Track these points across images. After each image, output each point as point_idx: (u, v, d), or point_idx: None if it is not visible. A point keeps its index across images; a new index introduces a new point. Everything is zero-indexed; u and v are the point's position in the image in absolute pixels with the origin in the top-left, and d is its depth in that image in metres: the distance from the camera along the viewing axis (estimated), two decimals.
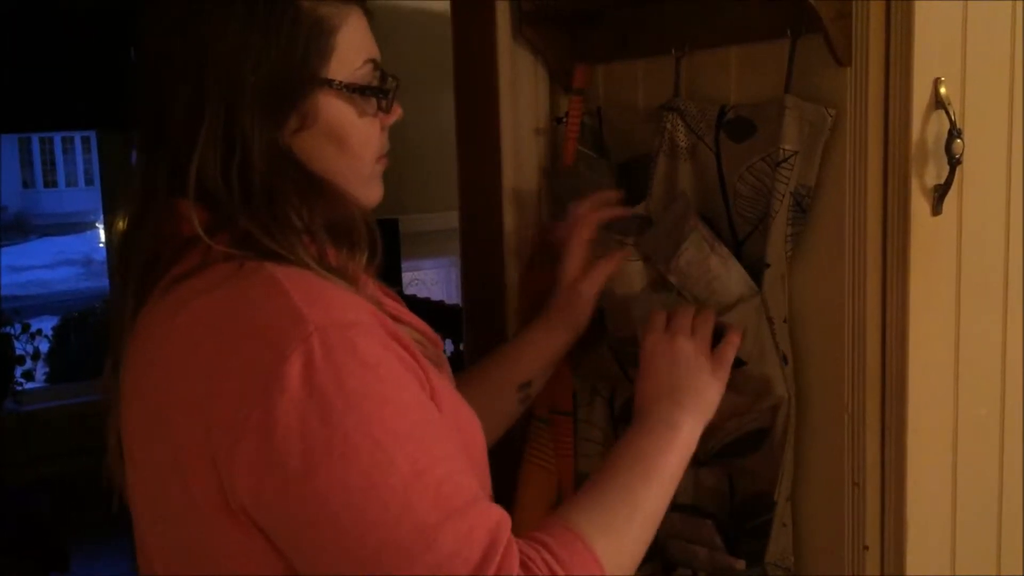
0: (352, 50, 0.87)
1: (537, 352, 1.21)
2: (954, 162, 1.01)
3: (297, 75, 0.83)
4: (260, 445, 0.73)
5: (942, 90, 1.01)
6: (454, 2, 1.52)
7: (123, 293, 0.87)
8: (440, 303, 3.55)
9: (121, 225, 0.88)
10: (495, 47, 1.38)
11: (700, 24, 1.19)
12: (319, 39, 0.84)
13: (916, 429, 1.04)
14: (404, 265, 3.82)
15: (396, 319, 0.86)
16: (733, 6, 1.15)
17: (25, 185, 20.49)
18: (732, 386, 1.07)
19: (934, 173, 1.02)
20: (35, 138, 19.71)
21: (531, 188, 1.44)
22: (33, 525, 3.71)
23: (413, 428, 0.76)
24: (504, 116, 1.40)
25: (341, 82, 0.86)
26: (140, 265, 0.85)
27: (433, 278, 4.63)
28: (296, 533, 0.75)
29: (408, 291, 3.98)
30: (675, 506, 1.24)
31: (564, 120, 1.37)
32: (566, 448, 1.32)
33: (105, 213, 5.57)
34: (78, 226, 16.25)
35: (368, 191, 0.93)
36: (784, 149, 1.06)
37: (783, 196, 1.07)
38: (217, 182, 0.81)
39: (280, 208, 0.82)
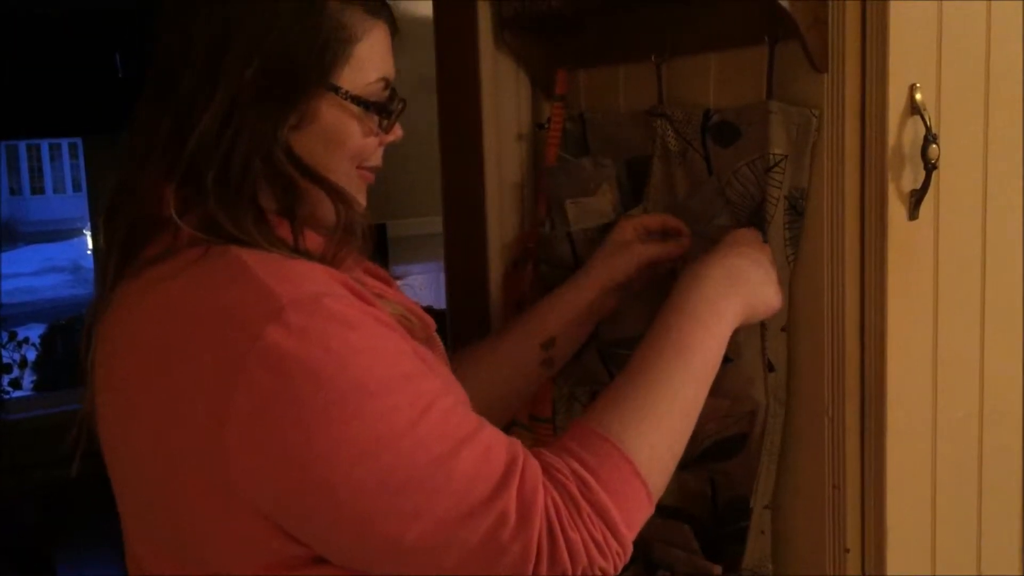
0: (369, 64, 0.87)
1: (564, 308, 1.17)
2: (930, 167, 1.02)
3: (307, 74, 0.83)
4: (250, 427, 0.72)
5: (918, 96, 1.02)
6: (436, 9, 1.53)
7: (107, 258, 0.86)
8: (428, 308, 3.55)
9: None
10: (477, 54, 1.39)
11: (679, 30, 1.20)
12: (338, 45, 0.84)
13: (895, 432, 1.05)
14: (392, 270, 3.82)
15: (379, 296, 0.86)
16: (711, 13, 1.15)
17: (12, 192, 20.40)
18: (713, 387, 1.07)
19: (911, 178, 1.03)
20: (22, 145, 19.62)
21: (514, 193, 1.44)
22: (19, 533, 3.69)
23: (407, 372, 0.76)
24: (486, 122, 1.41)
25: (348, 92, 0.86)
26: (123, 234, 0.85)
27: (422, 282, 4.62)
28: (309, 507, 0.73)
29: None
30: (657, 508, 1.25)
31: (546, 126, 1.37)
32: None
33: (93, 220, 5.54)
34: (65, 233, 16.18)
35: (354, 196, 0.92)
36: (774, 154, 1.07)
37: (777, 200, 1.07)
38: (203, 161, 0.81)
39: (250, 193, 0.82)
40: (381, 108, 0.89)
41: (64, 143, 19.37)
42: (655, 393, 0.84)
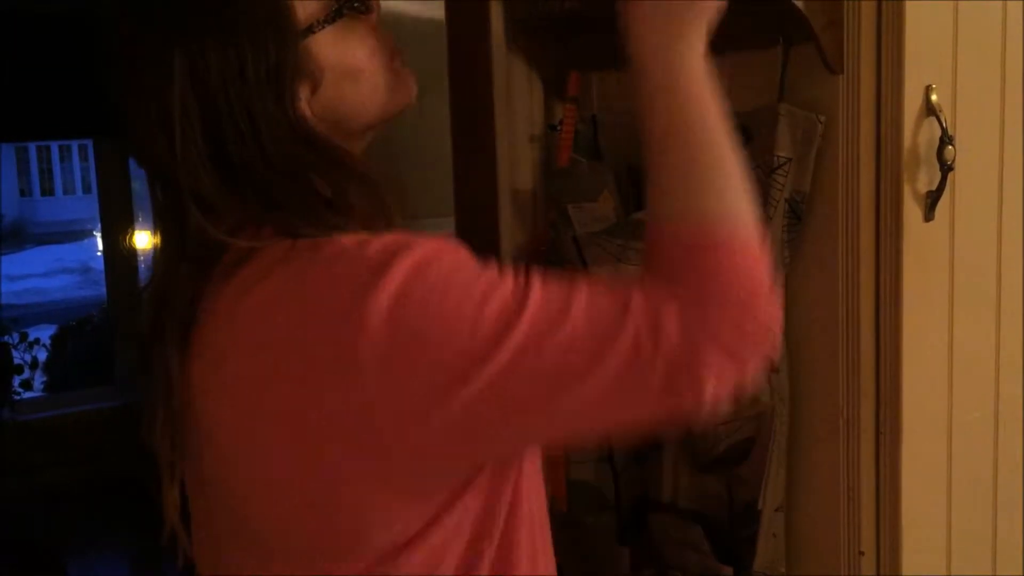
0: None
1: None
2: (946, 168, 1.02)
3: (282, 53, 0.80)
4: (389, 367, 0.71)
5: (933, 97, 1.01)
6: (448, 11, 1.53)
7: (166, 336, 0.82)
8: None
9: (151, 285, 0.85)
10: (489, 56, 1.39)
11: None
12: (272, 7, 0.81)
13: (910, 434, 1.05)
14: None
15: None
16: (725, 15, 1.15)
17: (23, 193, 20.50)
18: None
19: (926, 180, 1.03)
20: (32, 146, 19.71)
21: (526, 195, 1.44)
22: (30, 533, 3.71)
23: (493, 272, 0.75)
24: (499, 123, 1.41)
25: (317, 21, 0.83)
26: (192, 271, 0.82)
27: None
28: (474, 418, 0.71)
29: None
30: (672, 509, 1.25)
31: (559, 127, 1.37)
32: (558, 456, 1.33)
33: (103, 221, 5.56)
34: (75, 234, 16.25)
35: (401, 92, 0.90)
36: (778, 156, 1.07)
37: (778, 202, 1.08)
38: (255, 177, 0.79)
39: (306, 185, 0.81)
40: (349, 3, 0.85)
41: (74, 144, 19.44)
42: (700, 163, 0.79)
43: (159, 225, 0.85)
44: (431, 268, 0.73)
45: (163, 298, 0.83)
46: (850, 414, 1.06)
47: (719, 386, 0.72)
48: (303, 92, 0.82)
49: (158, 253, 0.85)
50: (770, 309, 0.75)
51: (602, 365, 0.71)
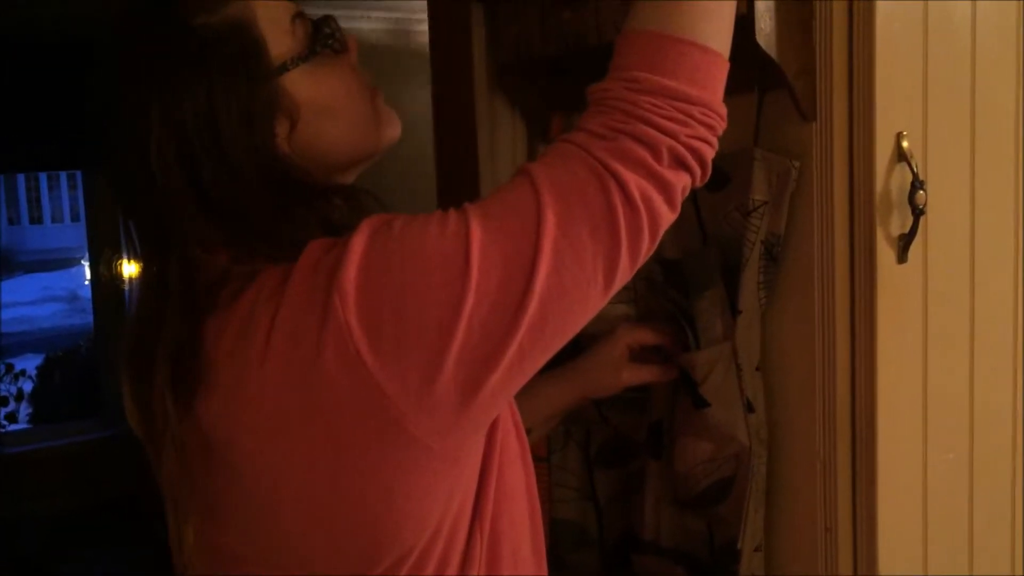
0: (275, 25, 0.84)
1: (541, 403, 1.18)
2: (917, 212, 1.04)
3: (255, 92, 0.80)
4: (388, 336, 0.70)
5: (904, 144, 1.04)
6: (433, 51, 1.55)
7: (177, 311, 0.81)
8: None
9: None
10: (473, 97, 1.41)
11: None
12: (247, 45, 0.81)
13: (886, 475, 1.06)
14: None
15: None
16: None
17: (11, 221, 20.45)
18: (695, 430, 1.08)
19: (899, 223, 1.05)
20: (20, 175, 19.69)
21: None
22: (18, 565, 3.67)
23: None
24: (483, 164, 1.43)
25: (292, 58, 0.83)
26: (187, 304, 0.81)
27: None
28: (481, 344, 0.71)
29: None
30: (654, 547, 1.26)
31: None
32: (541, 494, 1.33)
33: (91, 249, 5.56)
34: (63, 262, 16.21)
35: (384, 129, 0.90)
36: (754, 199, 1.09)
37: (754, 244, 1.10)
38: (249, 219, 0.80)
39: (290, 220, 0.81)
40: (324, 39, 0.86)
41: (63, 173, 19.44)
42: None
43: (145, 268, 0.85)
44: (388, 228, 0.73)
45: (155, 339, 0.81)
46: (826, 455, 1.07)
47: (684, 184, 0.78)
48: (280, 129, 0.82)
49: (143, 294, 0.84)
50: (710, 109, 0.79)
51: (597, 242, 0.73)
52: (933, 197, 1.05)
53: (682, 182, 0.77)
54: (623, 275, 0.76)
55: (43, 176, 20.40)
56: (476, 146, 1.43)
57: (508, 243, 0.71)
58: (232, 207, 0.80)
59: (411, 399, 0.71)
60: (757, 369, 1.13)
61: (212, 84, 0.79)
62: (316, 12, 0.89)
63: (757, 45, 1.01)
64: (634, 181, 0.74)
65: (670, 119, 0.76)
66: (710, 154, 0.80)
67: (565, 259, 0.72)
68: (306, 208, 0.82)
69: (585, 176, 0.74)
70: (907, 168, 1.04)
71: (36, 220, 21.14)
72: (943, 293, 1.10)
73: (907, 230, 1.05)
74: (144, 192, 0.80)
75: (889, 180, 1.04)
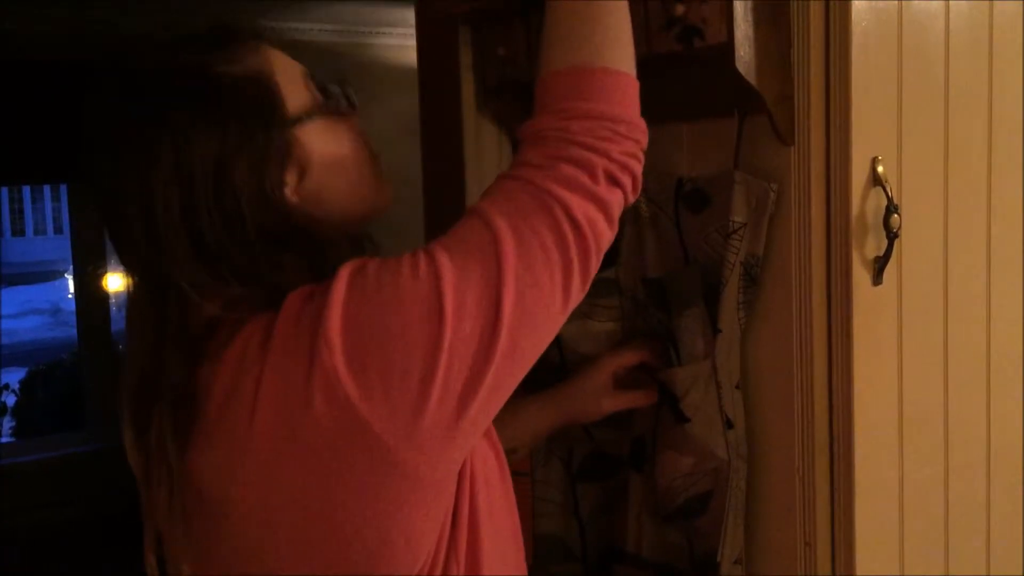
0: (291, 79, 0.87)
1: (525, 425, 1.21)
2: (892, 235, 1.07)
3: (270, 139, 0.82)
4: (358, 369, 0.73)
5: (879, 168, 1.07)
6: (421, 75, 1.58)
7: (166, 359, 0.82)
8: None
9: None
10: (460, 120, 1.43)
11: (654, 101, 1.25)
12: (266, 95, 0.83)
13: (864, 489, 1.09)
14: None
15: None
16: (685, 86, 1.21)
17: None
18: (676, 443, 1.11)
19: (874, 246, 1.08)
20: (3, 188, 19.58)
21: None
22: None
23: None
24: (470, 187, 1.45)
25: (307, 111, 0.86)
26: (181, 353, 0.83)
27: None
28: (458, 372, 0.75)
29: None
30: (637, 561, 1.28)
31: None
32: (524, 508, 1.35)
33: (75, 262, 5.53)
34: (46, 275, 16.11)
35: (379, 197, 0.94)
36: (734, 221, 1.12)
37: (733, 265, 1.13)
38: (251, 264, 0.81)
39: (285, 266, 0.83)
40: (336, 95, 0.90)
41: (46, 185, 19.33)
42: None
43: (139, 314, 0.85)
44: (364, 274, 0.76)
45: (154, 384, 0.83)
46: (805, 471, 1.10)
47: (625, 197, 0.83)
48: (290, 178, 0.84)
49: (140, 331, 0.85)
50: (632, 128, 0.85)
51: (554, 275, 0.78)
52: (907, 221, 1.08)
53: (617, 199, 0.83)
54: (578, 293, 0.81)
55: (26, 188, 20.29)
56: (463, 168, 1.46)
57: (475, 279, 0.76)
58: (227, 253, 0.81)
59: (401, 435, 0.74)
60: (737, 387, 1.15)
61: (228, 130, 0.80)
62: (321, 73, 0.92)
63: (737, 72, 1.05)
64: (578, 204, 0.79)
65: (600, 138, 0.82)
66: (639, 168, 0.85)
67: (526, 286, 0.76)
68: (299, 256, 0.84)
69: (533, 207, 0.78)
70: (882, 192, 1.07)
71: (19, 232, 21.01)
72: (917, 314, 1.14)
73: (882, 253, 1.08)
74: (142, 231, 0.81)
75: (865, 204, 1.07)
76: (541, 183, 0.79)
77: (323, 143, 0.87)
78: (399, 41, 4.04)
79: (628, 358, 1.24)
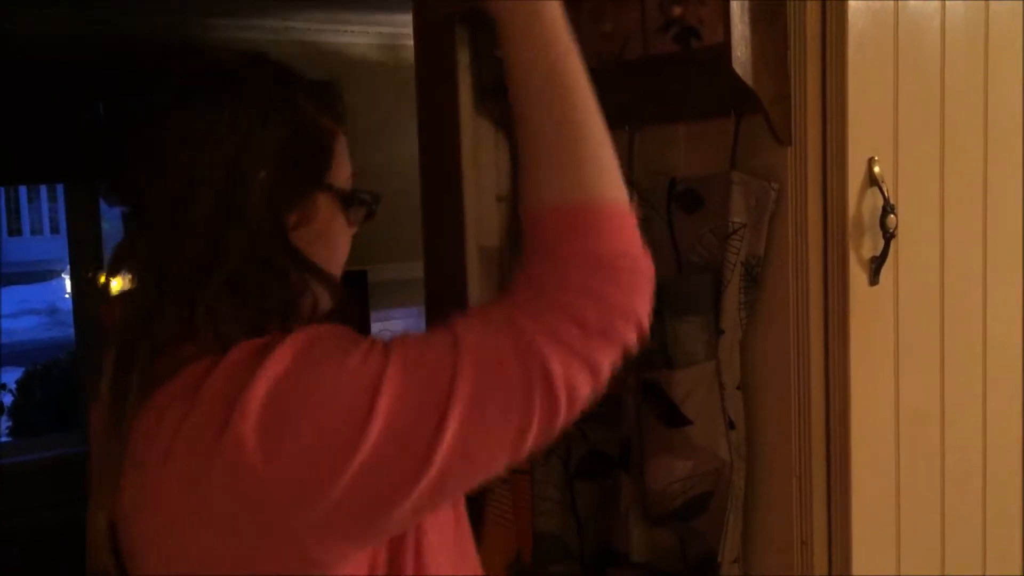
0: (343, 163, 0.91)
1: None
2: (888, 236, 1.07)
3: (308, 177, 0.87)
4: (273, 455, 0.72)
5: (876, 169, 1.07)
6: (419, 75, 1.58)
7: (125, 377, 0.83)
8: None
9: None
10: (457, 119, 1.44)
11: (651, 102, 1.26)
12: (323, 147, 0.88)
13: (860, 489, 1.09)
14: (373, 315, 3.86)
15: None
16: (681, 87, 1.21)
17: None
18: (670, 448, 1.11)
19: (870, 246, 1.08)
20: (0, 186, 19.54)
21: (493, 252, 1.48)
22: None
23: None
24: (467, 185, 1.46)
25: (340, 189, 0.90)
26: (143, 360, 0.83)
27: (403, 328, 4.64)
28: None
29: None
30: (629, 563, 1.28)
31: None
32: (524, 506, 1.36)
33: (72, 262, 5.53)
34: (42, 275, 16.07)
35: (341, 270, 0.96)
36: (733, 222, 1.12)
37: (734, 266, 1.13)
38: (236, 281, 0.82)
39: (273, 295, 0.84)
40: (366, 199, 0.93)
41: (43, 186, 19.29)
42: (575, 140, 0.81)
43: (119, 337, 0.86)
44: (312, 352, 0.75)
45: (124, 384, 0.83)
46: (802, 471, 1.10)
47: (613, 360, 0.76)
48: (291, 221, 0.87)
49: (127, 321, 0.85)
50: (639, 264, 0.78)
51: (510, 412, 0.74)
52: (904, 221, 1.09)
53: (610, 355, 0.77)
54: (534, 444, 0.77)
55: (22, 188, 20.25)
56: (460, 166, 1.46)
57: (415, 404, 0.73)
58: (225, 249, 0.82)
59: (300, 514, 0.74)
60: (738, 388, 1.15)
61: (280, 148, 0.84)
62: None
63: (734, 72, 1.05)
64: (559, 360, 0.75)
65: (602, 281, 0.77)
66: (645, 308, 0.78)
67: (472, 427, 0.74)
68: (272, 293, 0.84)
69: (509, 353, 0.75)
70: (879, 193, 1.07)
71: (15, 232, 20.97)
72: (914, 313, 1.14)
73: (879, 253, 1.08)
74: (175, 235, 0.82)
75: (861, 204, 1.08)
76: (528, 334, 0.75)
77: (329, 216, 0.90)
78: (399, 41, 4.05)
79: None
